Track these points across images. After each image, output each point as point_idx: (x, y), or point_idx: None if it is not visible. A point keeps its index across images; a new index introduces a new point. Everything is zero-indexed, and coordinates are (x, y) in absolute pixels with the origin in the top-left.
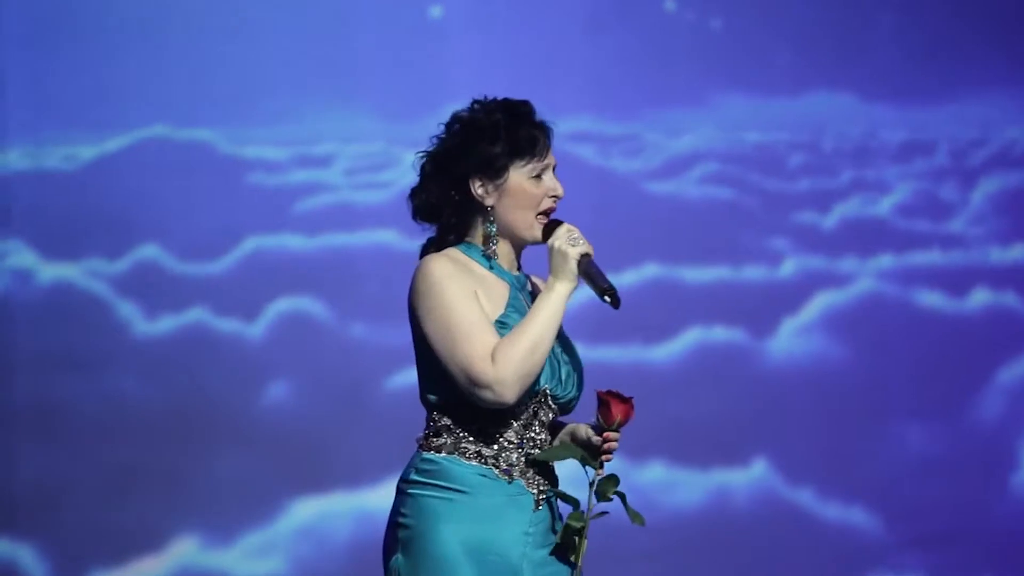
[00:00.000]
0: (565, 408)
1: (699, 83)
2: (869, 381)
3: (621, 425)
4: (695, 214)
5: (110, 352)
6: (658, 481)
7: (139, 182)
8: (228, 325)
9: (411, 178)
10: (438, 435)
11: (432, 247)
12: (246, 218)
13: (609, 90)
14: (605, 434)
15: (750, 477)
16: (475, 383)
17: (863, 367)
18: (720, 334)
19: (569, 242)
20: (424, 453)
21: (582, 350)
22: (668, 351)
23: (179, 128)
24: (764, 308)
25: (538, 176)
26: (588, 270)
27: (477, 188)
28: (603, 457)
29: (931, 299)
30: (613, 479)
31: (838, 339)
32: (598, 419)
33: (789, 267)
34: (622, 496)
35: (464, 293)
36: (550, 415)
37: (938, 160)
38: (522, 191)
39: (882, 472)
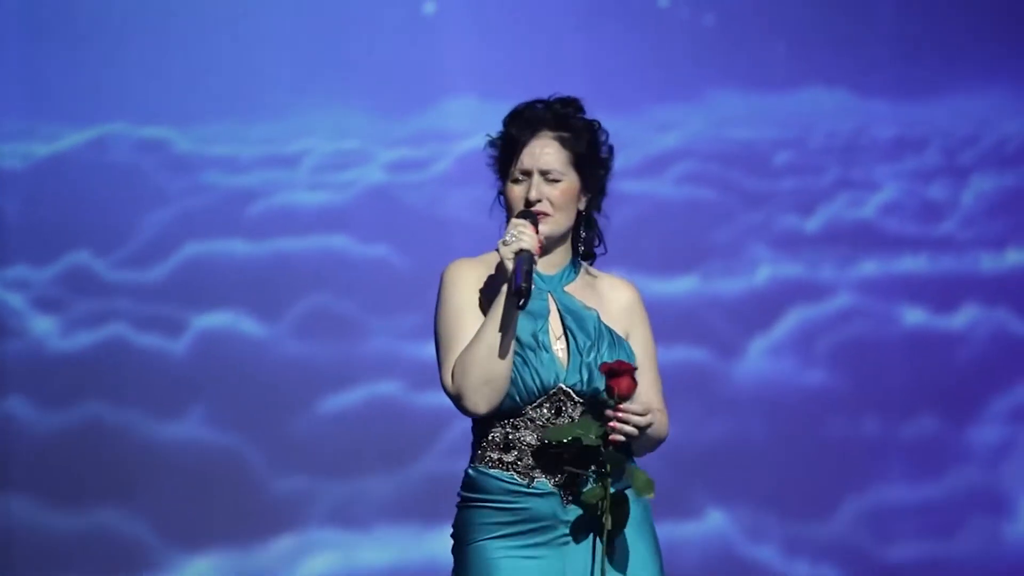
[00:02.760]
0: (597, 402)
1: (692, 78)
2: (845, 412)
3: (624, 398)
4: (668, 216)
5: (11, 371)
6: None
7: (85, 182)
8: (148, 341)
9: (377, 178)
10: (473, 447)
11: None
12: (191, 222)
13: (602, 86)
14: (616, 407)
15: (703, 530)
16: (448, 396)
17: (839, 395)
18: (681, 355)
19: (507, 239)
20: (467, 468)
21: None
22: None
23: (139, 126)
24: (733, 324)
25: (516, 179)
26: (515, 266)
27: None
28: (609, 425)
29: (915, 316)
30: (617, 454)
31: (813, 361)
32: (604, 394)
33: (764, 276)
34: (631, 470)
35: (463, 303)
36: (580, 411)
37: (929, 158)
38: (507, 192)
39: (859, 523)
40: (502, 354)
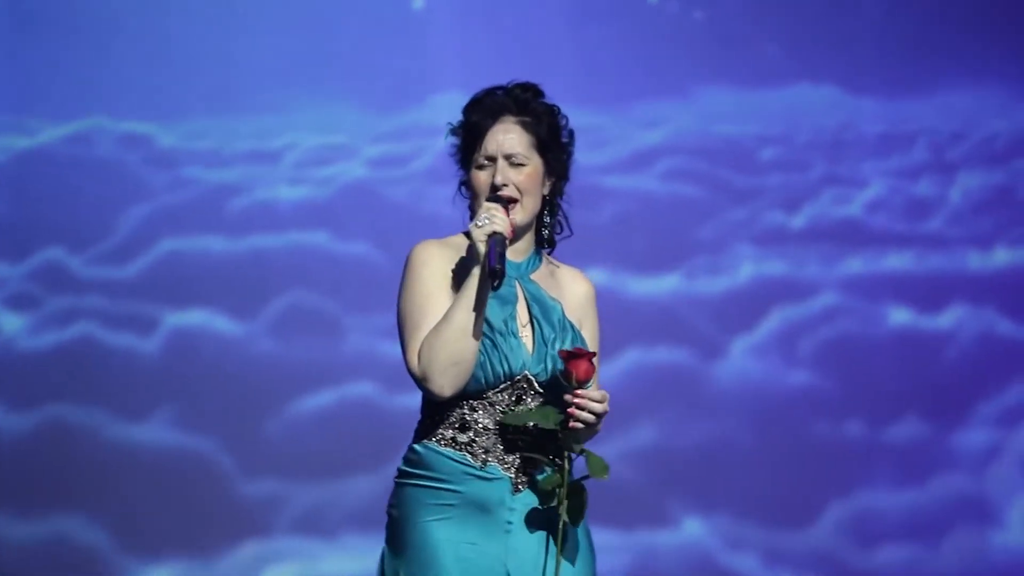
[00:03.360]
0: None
1: (681, 74)
2: (829, 415)
3: (582, 383)
4: (652, 213)
5: None
6: None
7: (66, 177)
8: (119, 340)
9: (360, 174)
10: (422, 423)
11: None
12: (170, 218)
13: (592, 81)
14: (574, 392)
15: (681, 538)
16: (412, 376)
17: (823, 397)
18: (662, 356)
19: (479, 222)
20: (412, 443)
21: None
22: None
23: (122, 120)
24: (716, 324)
25: (481, 166)
26: (488, 249)
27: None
28: (571, 411)
29: (901, 316)
30: (575, 436)
31: (796, 362)
32: (562, 378)
33: (747, 274)
34: (587, 454)
35: (430, 284)
36: (539, 399)
37: (917, 154)
38: (471, 179)
39: (841, 531)
40: (471, 336)
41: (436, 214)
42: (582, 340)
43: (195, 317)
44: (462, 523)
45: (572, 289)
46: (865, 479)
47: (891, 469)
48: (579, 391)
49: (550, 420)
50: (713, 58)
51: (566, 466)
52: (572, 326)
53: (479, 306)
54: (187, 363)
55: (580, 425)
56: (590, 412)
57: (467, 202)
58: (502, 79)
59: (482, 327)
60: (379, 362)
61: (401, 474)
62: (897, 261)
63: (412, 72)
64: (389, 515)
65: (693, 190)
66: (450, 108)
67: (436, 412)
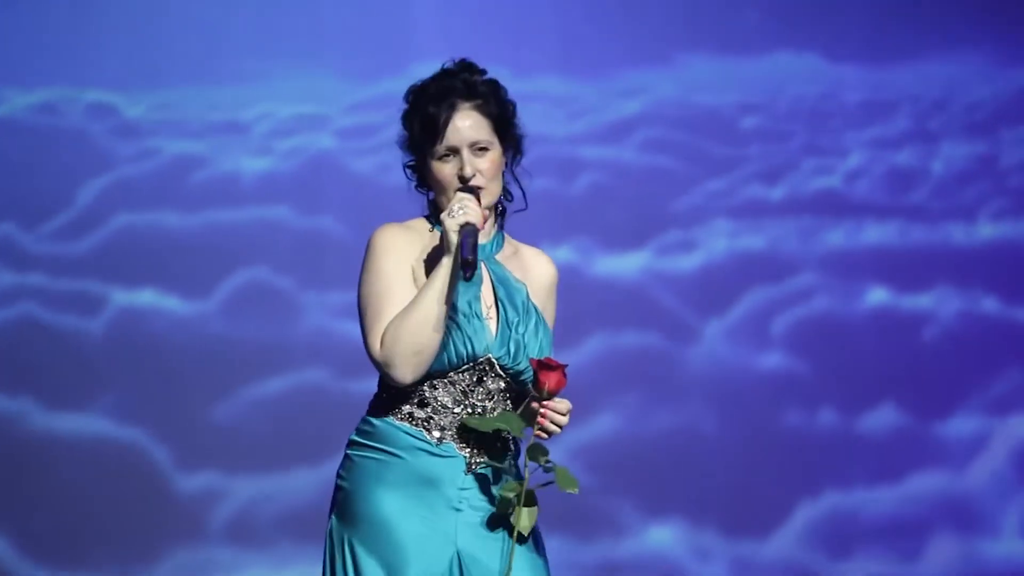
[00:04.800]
0: (517, 379)
1: (662, 43)
2: (801, 405)
3: (552, 394)
4: (626, 185)
5: None
6: None
7: (27, 148)
8: (61, 320)
9: (327, 144)
10: (379, 396)
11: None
12: (129, 191)
13: (571, 50)
14: (543, 404)
15: (643, 546)
16: (373, 362)
17: (796, 385)
18: (631, 340)
19: (452, 213)
20: (366, 415)
21: None
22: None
23: (87, 89)
24: (688, 306)
25: (442, 157)
26: (462, 240)
27: (421, 171)
28: (537, 421)
29: (880, 295)
30: (541, 448)
31: (769, 346)
32: (532, 388)
33: (721, 250)
34: (551, 466)
35: (393, 268)
36: (501, 384)
37: (899, 123)
38: (433, 172)
39: (814, 537)
40: (436, 326)
41: (401, 187)
42: (544, 327)
43: (144, 297)
44: (414, 498)
45: (536, 271)
46: (838, 477)
47: (866, 465)
48: (547, 403)
49: (513, 428)
50: (694, 26)
51: (526, 475)
52: (536, 309)
53: (447, 297)
54: (130, 346)
55: (545, 435)
56: (556, 424)
57: (416, 188)
58: (483, 47)
59: (445, 317)
60: (334, 345)
61: (352, 444)
62: (878, 235)
63: (393, 41)
64: (338, 486)
65: (670, 161)
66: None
67: (395, 386)
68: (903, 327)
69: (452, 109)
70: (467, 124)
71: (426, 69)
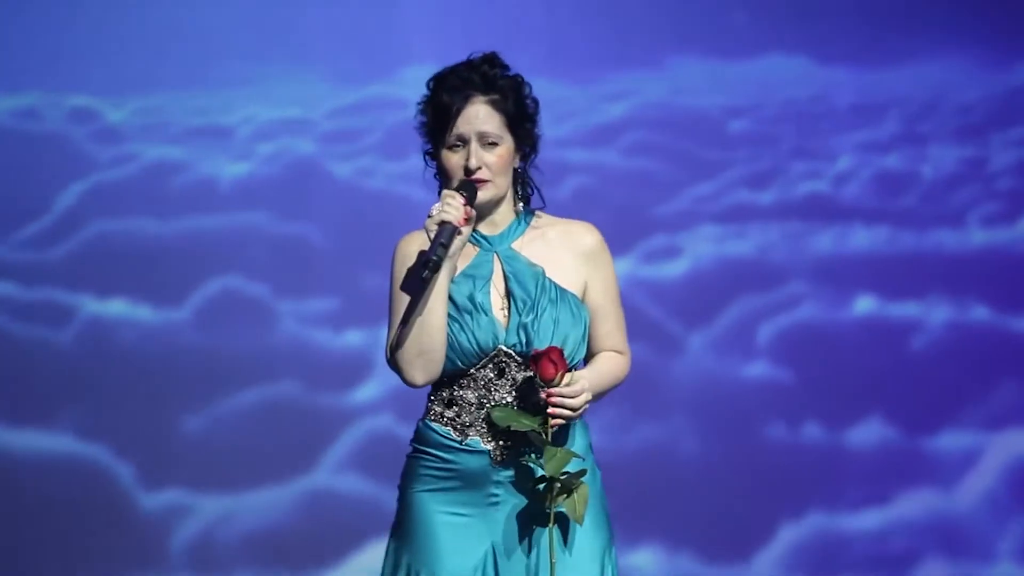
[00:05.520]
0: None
1: (654, 45)
2: (792, 421)
3: (551, 381)
4: (609, 190)
5: None
6: None
7: (6, 154)
8: (29, 332)
9: (308, 150)
10: (426, 401)
11: None
12: (105, 197)
13: (561, 52)
14: (547, 391)
15: (631, 569)
16: (392, 369)
17: (780, 397)
18: None
19: (433, 210)
20: (419, 420)
21: None
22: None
23: (70, 93)
24: (671, 315)
25: (452, 147)
26: (434, 236)
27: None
28: (549, 411)
29: (867, 304)
30: (538, 434)
31: (755, 356)
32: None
33: (706, 256)
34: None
35: (402, 279)
36: (527, 372)
37: (889, 126)
38: (442, 160)
39: (793, 562)
40: (431, 325)
41: (384, 192)
42: (564, 298)
43: (115, 306)
44: (452, 494)
45: (572, 243)
46: (822, 497)
47: (852, 484)
48: (551, 390)
49: (534, 425)
50: (683, 28)
51: (555, 479)
52: (555, 286)
53: (438, 295)
54: (99, 358)
55: (560, 421)
56: (567, 408)
57: (435, 176)
58: (471, 50)
59: (442, 314)
60: (309, 356)
61: (411, 448)
62: (866, 241)
63: (380, 44)
64: (399, 488)
65: (657, 165)
66: (417, 81)
67: (434, 391)
68: (891, 336)
69: (466, 100)
70: (479, 116)
71: (413, 72)
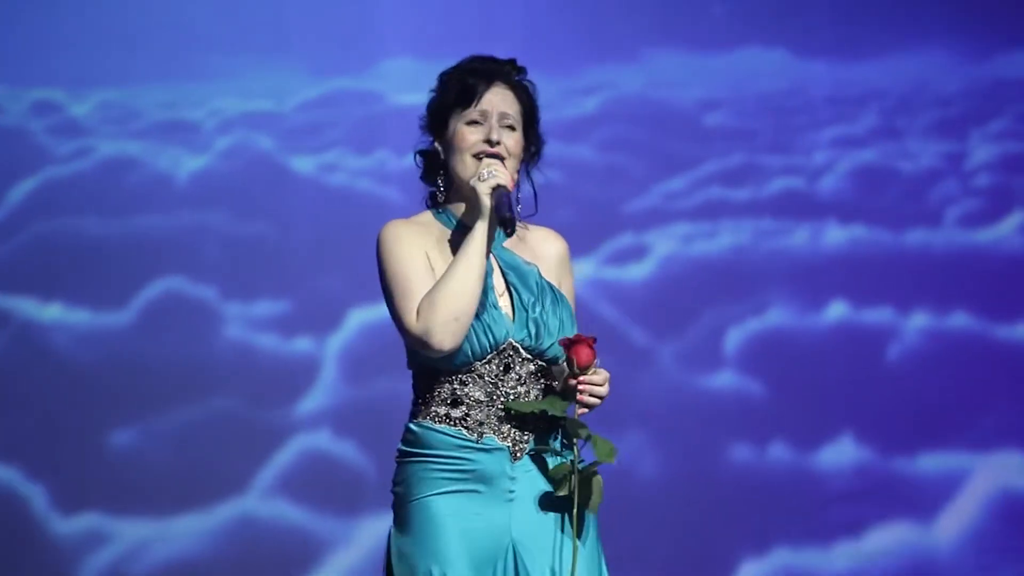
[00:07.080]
0: (543, 358)
1: (631, 38)
2: (758, 441)
3: (585, 368)
4: (578, 185)
5: None
6: None
7: None
8: None
9: (268, 146)
10: (416, 403)
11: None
12: (54, 195)
13: (537, 45)
14: (578, 379)
15: None
16: (410, 337)
17: (746, 413)
18: None
19: (483, 177)
20: (408, 423)
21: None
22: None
23: (31, 88)
24: (633, 321)
25: (472, 123)
26: (498, 201)
27: (436, 144)
28: (579, 399)
29: (840, 310)
30: (578, 424)
31: (724, 368)
32: (566, 366)
33: (674, 257)
34: (589, 435)
35: (409, 253)
36: (531, 367)
37: (867, 120)
38: (457, 135)
39: None
40: (473, 290)
41: (346, 189)
42: (563, 301)
43: (51, 311)
44: (466, 495)
45: (544, 250)
46: (788, 529)
47: (821, 513)
48: (582, 377)
49: (556, 408)
50: (660, 21)
51: (575, 453)
52: (550, 286)
53: (480, 262)
54: (26, 367)
55: (585, 409)
56: (595, 396)
57: (420, 177)
58: (446, 43)
59: (482, 283)
60: (251, 365)
61: (401, 454)
62: (841, 240)
63: (356, 37)
64: (394, 494)
65: (630, 159)
66: (391, 75)
67: (427, 390)
68: (865, 344)
69: (491, 83)
70: (504, 99)
71: (389, 66)
